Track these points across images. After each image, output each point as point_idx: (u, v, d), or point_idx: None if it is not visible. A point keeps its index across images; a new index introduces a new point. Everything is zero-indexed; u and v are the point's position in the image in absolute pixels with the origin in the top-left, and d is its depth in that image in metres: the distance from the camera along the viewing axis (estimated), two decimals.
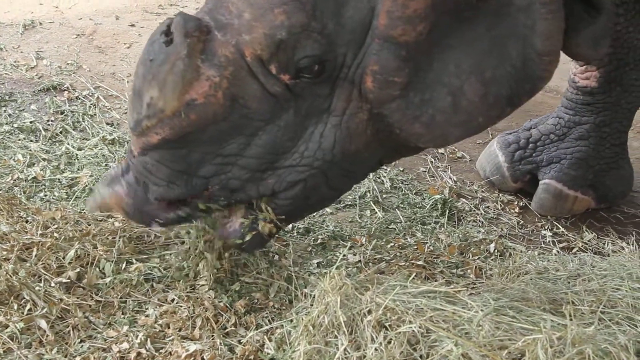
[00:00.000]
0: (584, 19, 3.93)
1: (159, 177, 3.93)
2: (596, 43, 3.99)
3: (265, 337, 3.97)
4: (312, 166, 3.93)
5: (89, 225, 4.54)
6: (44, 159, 5.24)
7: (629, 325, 3.86)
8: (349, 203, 5.32)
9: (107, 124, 5.85)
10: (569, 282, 4.39)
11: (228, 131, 3.84)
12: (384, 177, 5.65)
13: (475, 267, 4.67)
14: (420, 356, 3.48)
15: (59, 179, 5.07)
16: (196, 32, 3.71)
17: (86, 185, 5.01)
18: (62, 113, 5.90)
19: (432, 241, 4.95)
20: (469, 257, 4.81)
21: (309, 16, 3.65)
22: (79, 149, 5.42)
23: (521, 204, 5.58)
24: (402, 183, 5.63)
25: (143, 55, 3.84)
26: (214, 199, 3.97)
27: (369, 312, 3.65)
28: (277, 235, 4.52)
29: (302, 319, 3.79)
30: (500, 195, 5.65)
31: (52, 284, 4.07)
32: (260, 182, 3.94)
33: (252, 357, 3.85)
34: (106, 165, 5.24)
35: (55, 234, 4.40)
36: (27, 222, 4.51)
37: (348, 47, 3.73)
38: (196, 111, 3.75)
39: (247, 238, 4.06)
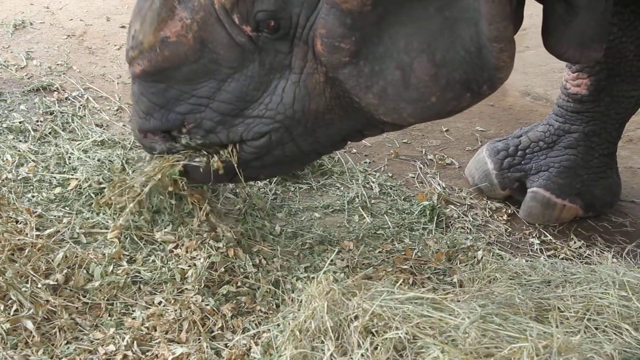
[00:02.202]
0: (564, 18, 3.96)
1: (141, 108, 4.29)
2: (582, 44, 4.00)
3: (252, 341, 3.98)
4: (275, 119, 4.15)
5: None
6: (33, 160, 5.22)
7: (615, 334, 3.87)
8: (338, 208, 5.32)
9: (97, 125, 5.84)
10: (555, 289, 4.40)
11: (200, 73, 4.13)
12: (373, 182, 5.64)
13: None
14: None
15: (48, 180, 5.06)
16: None
17: (77, 187, 5.00)
18: (51, 114, 5.89)
19: (420, 247, 4.95)
20: (457, 264, 4.81)
21: None
22: (69, 151, 5.40)
23: (509, 211, 5.58)
24: (390, 189, 5.63)
25: None
26: (192, 137, 4.26)
27: (356, 317, 3.65)
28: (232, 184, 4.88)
29: (289, 324, 3.79)
30: (489, 202, 5.66)
31: (39, 285, 4.06)
32: (231, 128, 4.21)
33: None
34: (99, 166, 5.23)
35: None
36: (17, 222, 4.50)
37: (302, 7, 3.89)
38: (169, 48, 4.06)
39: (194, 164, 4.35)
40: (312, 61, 3.99)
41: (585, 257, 5.11)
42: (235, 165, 4.30)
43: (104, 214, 4.71)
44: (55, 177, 5.07)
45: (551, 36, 4.05)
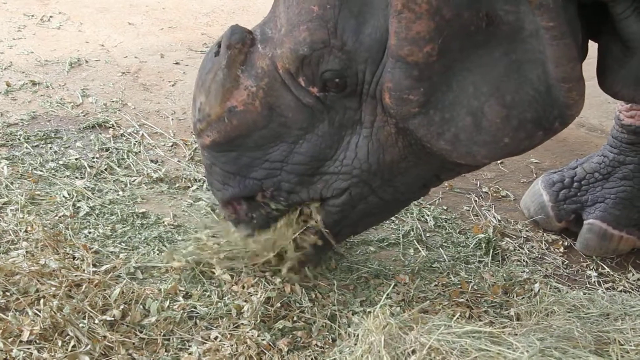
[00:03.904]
0: (619, 58, 3.98)
1: (216, 179, 4.35)
2: (637, 84, 3.99)
3: None
4: (352, 174, 4.17)
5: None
6: (88, 197, 5.26)
7: None
8: (393, 241, 5.30)
9: (152, 161, 5.88)
10: (614, 322, 4.35)
11: (270, 138, 4.16)
12: (428, 215, 5.62)
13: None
14: None
15: (103, 216, 5.10)
16: (238, 44, 4.08)
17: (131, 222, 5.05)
18: (107, 150, 5.94)
19: (476, 280, 4.92)
20: (513, 297, 4.77)
21: (330, 33, 3.90)
22: (123, 188, 5.46)
23: (566, 243, 5.53)
24: (445, 222, 5.60)
25: (201, 64, 4.26)
26: (275, 200, 4.29)
27: (413, 352, 3.64)
28: (329, 255, 4.87)
29: (346, 358, 3.77)
30: (545, 234, 5.61)
31: (96, 321, 4.08)
32: (310, 186, 4.24)
33: None
34: (158, 202, 5.28)
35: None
36: (74, 258, 4.54)
37: (367, 63, 3.94)
38: (237, 117, 4.11)
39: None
40: (382, 114, 4.02)
41: None
42: (322, 230, 4.36)
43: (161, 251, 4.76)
44: (117, 212, 5.13)
45: (606, 76, 4.07)
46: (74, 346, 3.91)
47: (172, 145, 6.18)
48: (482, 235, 5.34)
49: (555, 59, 3.75)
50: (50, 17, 8.17)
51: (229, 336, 4.16)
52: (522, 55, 3.83)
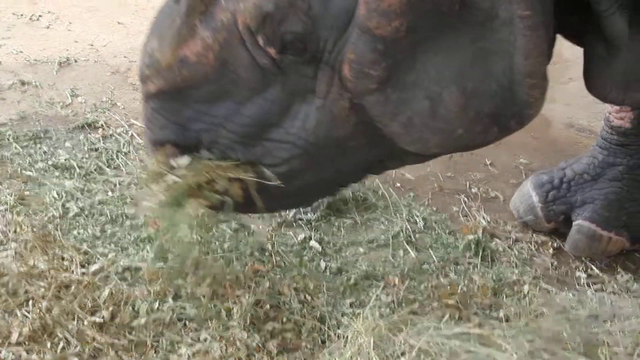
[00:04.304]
0: (605, 59, 3.93)
1: (155, 125, 4.13)
2: (626, 86, 3.97)
3: None
4: (296, 144, 4.00)
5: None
6: (77, 197, 5.26)
7: None
8: (382, 243, 5.30)
9: (141, 161, 5.87)
10: (603, 324, 4.36)
11: (218, 94, 3.99)
12: (417, 216, 5.62)
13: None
14: None
15: (93, 217, 5.10)
16: None
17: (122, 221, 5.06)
18: (96, 150, 5.93)
19: (466, 282, 4.91)
20: (503, 299, 4.78)
21: None
22: (112, 188, 5.46)
23: (555, 244, 5.52)
24: (435, 223, 5.60)
25: (159, 10, 4.07)
26: (210, 152, 4.10)
27: (403, 354, 3.65)
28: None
29: None
30: (534, 235, 5.61)
31: (85, 323, 4.08)
32: (249, 148, 4.05)
33: None
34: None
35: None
36: (62, 259, 4.54)
37: (331, 31, 3.78)
38: (188, 68, 3.93)
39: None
40: (338, 87, 3.88)
41: (633, 290, 5.05)
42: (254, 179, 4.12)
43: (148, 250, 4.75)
44: (107, 212, 5.13)
45: (593, 78, 4.03)
46: (63, 348, 3.91)
47: None
48: (472, 237, 5.34)
49: (526, 50, 3.69)
50: (40, 16, 8.15)
51: (218, 338, 4.15)
52: (491, 44, 3.76)
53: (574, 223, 5.45)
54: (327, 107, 3.92)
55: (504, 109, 3.83)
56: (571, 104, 7.39)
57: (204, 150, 4.10)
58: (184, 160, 4.10)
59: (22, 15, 8.04)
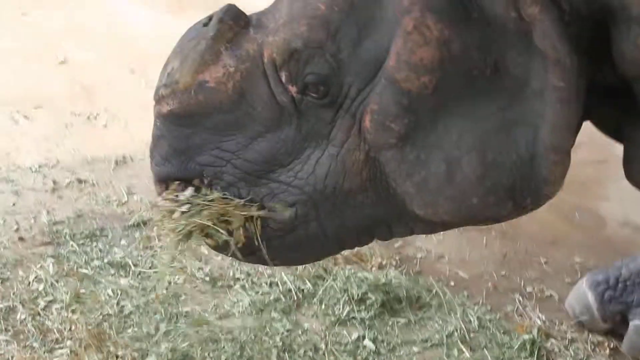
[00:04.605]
0: None
1: (159, 152, 4.00)
2: None
3: None
4: (303, 190, 3.89)
5: None
6: (132, 296, 5.30)
7: None
8: (436, 342, 5.27)
9: (197, 259, 5.90)
10: None
11: (231, 125, 3.89)
12: (472, 315, 5.58)
13: None
14: None
15: (147, 315, 5.12)
16: (230, 20, 3.86)
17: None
18: (151, 248, 5.98)
19: None
20: None
21: (329, 35, 3.71)
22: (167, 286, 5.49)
23: (612, 345, 5.46)
24: (489, 322, 5.56)
25: (185, 32, 4.03)
26: (212, 189, 3.95)
27: None
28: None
29: None
30: (590, 335, 5.54)
31: None
32: (253, 187, 3.93)
33: None
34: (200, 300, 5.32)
35: None
36: (117, 357, 4.56)
37: (356, 78, 3.73)
38: (205, 93, 3.84)
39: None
40: (356, 137, 3.79)
41: None
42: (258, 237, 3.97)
43: None
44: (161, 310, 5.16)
45: (632, 165, 3.94)
46: None
47: None
48: (527, 336, 5.30)
49: (554, 122, 3.59)
50: (97, 114, 8.26)
51: None
52: (519, 114, 3.67)
53: (630, 323, 5.39)
54: (342, 156, 3.83)
55: (522, 183, 3.72)
56: (625, 201, 7.34)
57: (205, 187, 3.98)
58: (189, 191, 3.99)
59: (79, 114, 8.15)
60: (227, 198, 3.95)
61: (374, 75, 3.71)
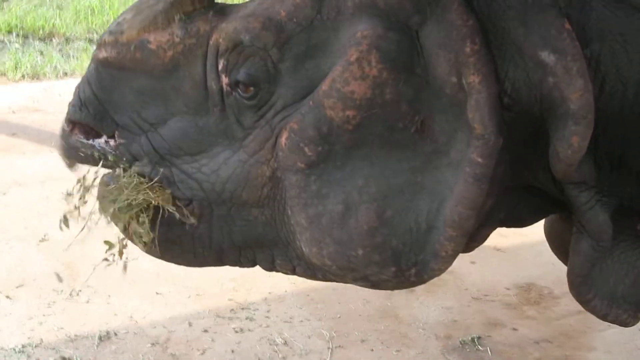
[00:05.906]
0: (591, 256, 3.83)
1: (82, 94, 4.00)
2: (612, 299, 3.89)
3: None
4: (202, 186, 3.88)
5: None
6: None
7: None
8: None
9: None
10: None
11: (156, 94, 3.92)
12: None
13: None
14: None
15: None
16: None
17: None
18: None
19: None
20: None
21: (277, 41, 3.73)
22: None
23: None
24: None
25: None
26: (117, 151, 3.96)
27: None
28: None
29: None
30: None
31: None
32: (155, 165, 3.93)
33: None
34: None
35: None
36: None
37: (287, 92, 3.75)
38: (143, 52, 3.87)
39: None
40: (269, 151, 3.80)
41: None
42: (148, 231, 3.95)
43: None
44: None
45: (575, 276, 3.89)
46: None
47: None
48: None
49: (461, 197, 3.57)
50: (79, 291, 8.26)
51: None
52: (429, 182, 3.68)
53: None
54: (249, 165, 3.83)
55: (412, 251, 3.71)
56: (612, 351, 7.33)
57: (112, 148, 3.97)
58: (102, 141, 4.01)
59: (62, 291, 8.15)
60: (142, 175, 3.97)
61: (305, 96, 3.75)
